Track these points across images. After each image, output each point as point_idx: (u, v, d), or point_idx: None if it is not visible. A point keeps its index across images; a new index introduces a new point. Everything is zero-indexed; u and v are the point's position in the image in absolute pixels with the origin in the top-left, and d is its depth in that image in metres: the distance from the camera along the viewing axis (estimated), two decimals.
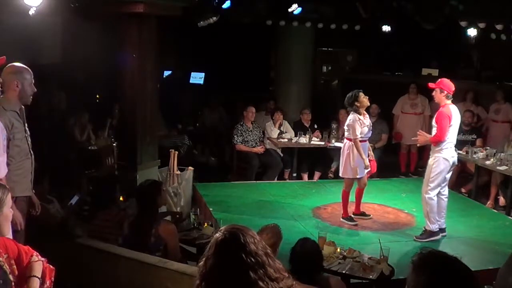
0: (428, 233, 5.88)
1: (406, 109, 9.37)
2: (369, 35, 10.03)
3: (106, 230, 4.66)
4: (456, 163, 6.04)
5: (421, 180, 6.25)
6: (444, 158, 5.77)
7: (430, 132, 6.19)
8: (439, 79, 5.96)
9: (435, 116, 5.89)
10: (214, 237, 1.96)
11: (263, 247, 1.94)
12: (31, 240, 3.36)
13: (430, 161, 5.90)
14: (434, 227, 5.86)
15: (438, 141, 5.74)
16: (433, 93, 5.92)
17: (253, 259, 1.88)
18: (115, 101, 8.11)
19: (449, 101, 5.78)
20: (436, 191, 5.84)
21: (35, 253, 2.83)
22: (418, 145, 7.05)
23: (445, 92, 5.73)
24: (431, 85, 5.99)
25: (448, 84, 5.78)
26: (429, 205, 5.86)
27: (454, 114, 5.75)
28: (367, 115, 6.41)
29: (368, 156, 6.35)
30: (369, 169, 6.32)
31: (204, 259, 1.93)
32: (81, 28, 7.93)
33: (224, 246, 1.91)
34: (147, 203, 4.30)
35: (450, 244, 5.71)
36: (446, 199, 5.96)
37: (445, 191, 5.95)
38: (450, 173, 5.99)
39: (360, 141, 6.18)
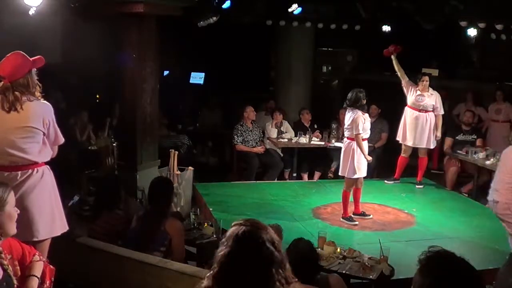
0: None
1: None
2: (369, 35, 10.03)
3: (105, 231, 4.66)
4: None
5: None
6: None
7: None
8: None
9: None
10: (234, 228, 1.90)
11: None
12: None
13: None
14: None
15: None
16: None
17: (277, 257, 1.86)
18: (115, 101, 8.11)
19: None
20: None
21: (37, 252, 2.86)
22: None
23: None
24: None
25: None
26: None
27: None
28: (367, 114, 6.39)
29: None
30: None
31: (224, 247, 1.87)
32: (81, 28, 7.94)
33: (246, 237, 1.86)
34: (159, 199, 4.40)
35: (450, 244, 5.69)
36: None
37: None
38: None
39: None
